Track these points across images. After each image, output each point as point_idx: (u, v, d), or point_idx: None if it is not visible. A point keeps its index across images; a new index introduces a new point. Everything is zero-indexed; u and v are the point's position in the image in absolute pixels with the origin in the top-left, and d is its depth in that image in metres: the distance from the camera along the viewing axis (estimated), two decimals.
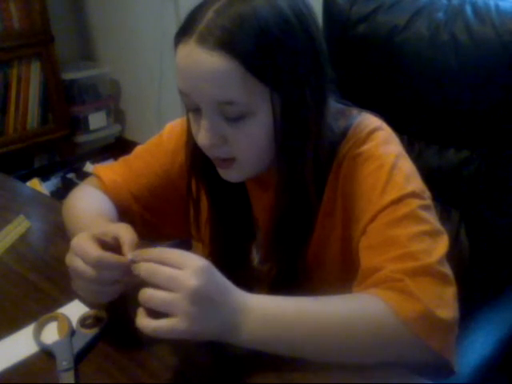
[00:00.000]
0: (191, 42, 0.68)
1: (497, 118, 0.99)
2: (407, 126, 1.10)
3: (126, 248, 0.66)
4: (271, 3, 0.68)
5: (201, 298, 0.59)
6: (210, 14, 0.68)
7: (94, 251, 0.65)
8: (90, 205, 0.86)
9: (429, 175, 0.79)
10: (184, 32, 0.70)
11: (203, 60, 0.67)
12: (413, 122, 1.10)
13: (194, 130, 0.76)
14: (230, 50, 0.66)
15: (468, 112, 1.02)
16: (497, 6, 0.99)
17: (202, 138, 0.72)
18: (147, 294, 0.60)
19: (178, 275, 0.59)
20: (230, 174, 0.77)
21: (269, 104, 0.70)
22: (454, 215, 1.05)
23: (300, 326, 0.64)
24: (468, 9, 1.02)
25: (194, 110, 0.73)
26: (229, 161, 0.75)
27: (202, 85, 0.69)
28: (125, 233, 0.68)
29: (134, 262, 0.63)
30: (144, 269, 0.61)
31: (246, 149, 0.74)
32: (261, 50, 0.67)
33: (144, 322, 0.60)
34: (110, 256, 0.65)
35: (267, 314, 0.64)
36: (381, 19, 1.09)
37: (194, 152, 0.80)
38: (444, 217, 1.04)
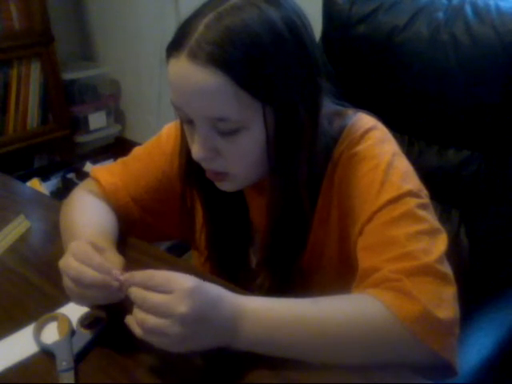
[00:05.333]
0: (182, 58, 0.67)
1: (497, 118, 0.99)
2: (407, 126, 1.10)
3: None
4: (262, 16, 0.67)
5: (193, 320, 0.60)
6: (200, 29, 0.66)
7: (98, 257, 0.67)
8: (89, 220, 0.83)
9: (429, 175, 0.79)
10: (175, 46, 0.69)
11: (195, 76, 0.66)
12: (413, 122, 1.10)
13: (188, 141, 0.76)
14: (221, 65, 0.65)
15: (468, 112, 1.02)
16: (497, 6, 0.99)
17: (196, 152, 0.72)
18: (139, 318, 0.61)
19: (168, 302, 0.60)
20: (224, 185, 0.77)
21: (262, 118, 0.69)
22: (454, 215, 1.05)
23: (297, 328, 0.64)
24: (468, 9, 1.02)
25: (187, 121, 0.73)
26: (222, 174, 0.75)
27: (195, 101, 0.68)
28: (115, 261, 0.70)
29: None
30: (133, 295, 0.62)
31: (239, 163, 0.73)
32: (252, 64, 0.66)
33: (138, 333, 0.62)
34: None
35: (264, 316, 0.64)
36: (381, 19, 1.09)
37: (188, 159, 0.80)
38: (444, 217, 1.04)
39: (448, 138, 1.06)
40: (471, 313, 0.86)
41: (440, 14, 1.04)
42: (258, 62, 0.66)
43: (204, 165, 0.75)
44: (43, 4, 2.55)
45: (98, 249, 0.70)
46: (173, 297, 0.60)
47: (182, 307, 0.59)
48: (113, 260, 0.69)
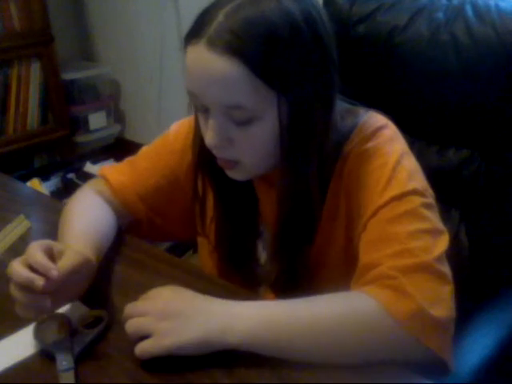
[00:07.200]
0: (201, 45, 0.68)
1: (497, 118, 0.99)
2: (407, 126, 1.09)
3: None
4: (281, 7, 0.68)
5: (169, 314, 0.64)
6: (219, 17, 0.68)
7: (24, 272, 0.67)
8: (85, 218, 0.85)
9: (429, 175, 0.79)
10: (194, 34, 0.69)
11: (212, 64, 0.67)
12: (413, 122, 1.10)
13: (202, 129, 0.76)
14: (239, 54, 0.66)
15: (468, 112, 1.02)
16: (497, 6, 0.99)
17: (209, 138, 0.73)
18: (126, 325, 0.66)
19: (147, 303, 0.68)
20: (234, 174, 0.78)
21: (276, 109, 0.70)
22: (453, 215, 1.05)
23: (291, 329, 0.64)
24: (468, 9, 1.02)
25: (202, 110, 0.74)
26: (232, 163, 0.76)
27: (211, 88, 0.69)
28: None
29: None
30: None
31: (251, 152, 0.74)
32: (269, 54, 0.67)
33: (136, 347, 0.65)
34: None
35: (257, 319, 0.64)
36: (381, 19, 1.09)
37: (202, 149, 0.80)
38: (444, 217, 1.04)
39: (448, 137, 1.06)
40: (471, 312, 0.86)
41: (440, 14, 1.04)
42: (276, 52, 0.67)
43: (215, 152, 0.76)
44: (43, 4, 2.54)
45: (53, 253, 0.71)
46: (152, 299, 0.67)
47: (159, 303, 0.66)
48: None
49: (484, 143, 1.02)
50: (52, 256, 0.70)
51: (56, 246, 0.72)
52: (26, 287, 0.66)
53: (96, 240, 0.80)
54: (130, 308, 0.68)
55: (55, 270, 0.66)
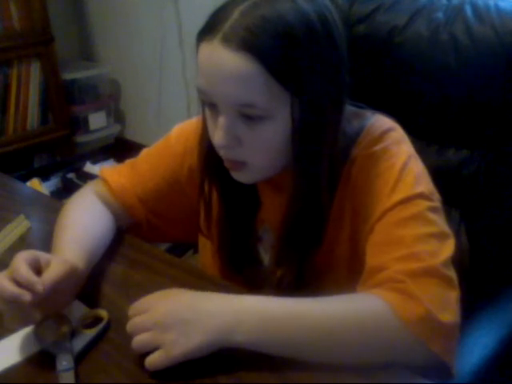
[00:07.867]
0: (215, 42, 0.68)
1: (497, 118, 0.99)
2: (407, 126, 1.09)
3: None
4: (297, 8, 0.68)
5: (171, 324, 0.64)
6: (235, 15, 0.67)
7: (10, 287, 0.66)
8: (80, 223, 0.84)
9: (429, 175, 0.79)
10: (208, 30, 0.69)
11: (226, 60, 0.67)
12: (413, 122, 1.09)
13: (210, 129, 0.76)
14: (254, 51, 0.66)
15: (468, 112, 1.02)
16: (497, 6, 0.99)
17: (218, 138, 0.72)
18: (132, 343, 0.65)
19: (146, 317, 0.65)
20: (241, 176, 0.77)
21: (288, 109, 0.70)
22: (454, 215, 1.05)
23: (297, 328, 0.64)
24: (468, 9, 1.02)
25: (210, 104, 0.73)
26: (240, 164, 0.75)
27: (223, 85, 0.69)
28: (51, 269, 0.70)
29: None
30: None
31: (259, 153, 0.74)
32: (284, 54, 0.67)
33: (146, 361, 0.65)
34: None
35: (262, 316, 0.64)
36: (381, 19, 1.09)
37: (208, 150, 0.80)
38: (444, 217, 1.04)
39: (448, 137, 1.06)
40: (471, 313, 0.86)
41: (440, 14, 1.04)
42: (290, 52, 0.67)
43: (223, 152, 0.75)
44: (43, 4, 2.54)
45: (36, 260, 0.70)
46: (151, 310, 0.66)
47: (157, 313, 0.65)
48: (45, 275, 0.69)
49: (484, 143, 1.02)
50: (39, 267, 0.70)
51: (42, 256, 0.71)
52: (13, 301, 0.66)
53: (90, 246, 0.80)
54: (131, 326, 0.66)
55: (40, 285, 0.66)
